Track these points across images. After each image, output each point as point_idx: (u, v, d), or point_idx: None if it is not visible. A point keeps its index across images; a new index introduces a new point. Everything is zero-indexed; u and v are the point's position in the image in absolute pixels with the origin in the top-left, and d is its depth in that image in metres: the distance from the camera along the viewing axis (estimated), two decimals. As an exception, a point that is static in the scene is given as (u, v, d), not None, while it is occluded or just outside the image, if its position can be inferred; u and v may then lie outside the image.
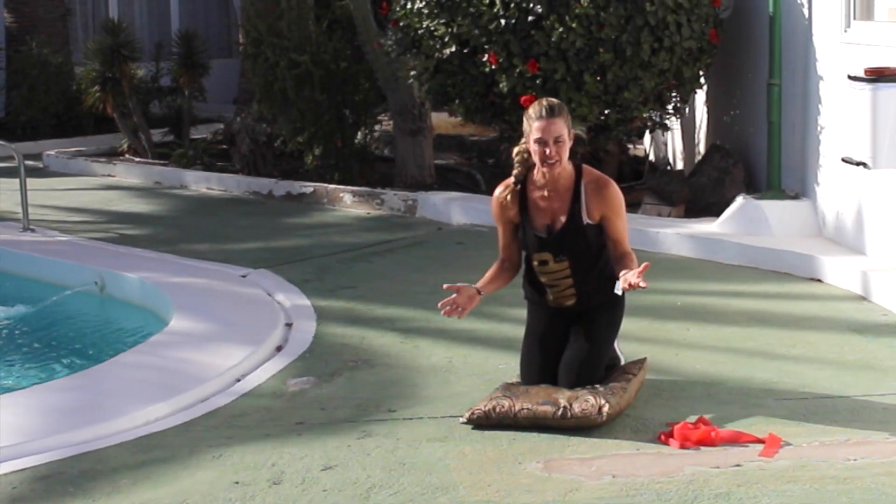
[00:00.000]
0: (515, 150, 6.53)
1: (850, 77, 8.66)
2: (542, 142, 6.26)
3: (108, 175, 15.41)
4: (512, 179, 6.51)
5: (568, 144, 6.32)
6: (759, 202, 10.12)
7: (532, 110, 6.32)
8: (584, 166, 6.50)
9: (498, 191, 6.57)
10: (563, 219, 6.39)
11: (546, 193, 6.43)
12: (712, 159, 11.65)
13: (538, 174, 6.42)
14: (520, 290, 6.79)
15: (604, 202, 6.38)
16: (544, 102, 6.34)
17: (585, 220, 6.37)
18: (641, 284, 5.96)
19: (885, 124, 8.29)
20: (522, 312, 6.78)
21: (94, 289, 9.51)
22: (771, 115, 10.35)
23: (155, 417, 6.31)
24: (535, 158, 6.33)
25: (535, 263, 6.49)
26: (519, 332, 6.77)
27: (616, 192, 6.43)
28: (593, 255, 6.44)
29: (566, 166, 6.39)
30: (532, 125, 6.29)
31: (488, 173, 13.47)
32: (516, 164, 6.51)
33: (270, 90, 13.61)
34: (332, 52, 13.50)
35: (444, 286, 6.43)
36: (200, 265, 9.93)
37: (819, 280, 8.97)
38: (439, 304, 6.36)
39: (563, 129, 6.27)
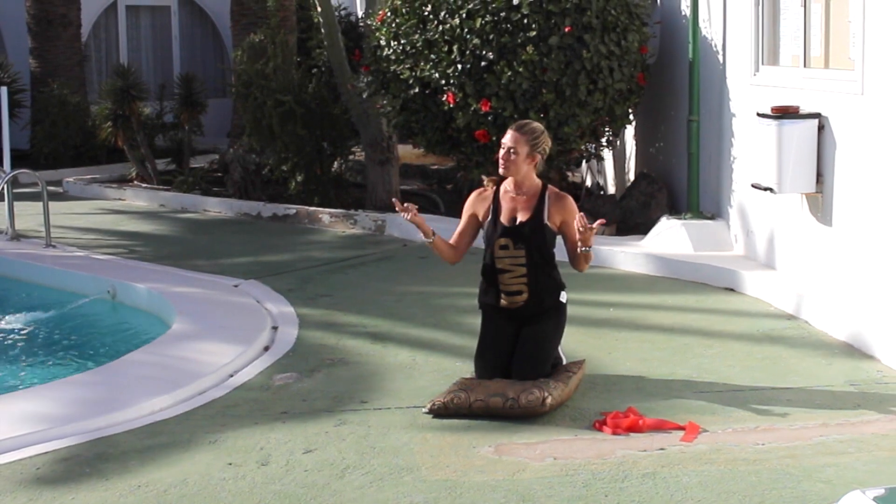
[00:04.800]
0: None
1: (758, 114, 8.71)
2: (502, 146, 6.47)
3: (119, 199, 15.30)
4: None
5: (520, 159, 6.44)
6: (680, 222, 10.15)
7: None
8: (549, 185, 6.64)
9: (478, 190, 6.73)
10: (527, 215, 6.48)
11: (515, 195, 6.54)
12: (640, 185, 11.68)
13: (509, 182, 6.56)
14: (475, 301, 6.79)
15: (564, 209, 6.49)
16: (522, 120, 6.57)
17: (546, 220, 6.47)
18: (589, 225, 6.21)
19: (788, 155, 8.34)
20: (476, 321, 6.78)
21: (107, 297, 9.46)
22: (690, 147, 10.39)
23: (159, 408, 6.28)
24: None
25: (497, 248, 6.52)
26: (473, 336, 6.78)
27: (573, 202, 6.55)
28: (545, 254, 6.49)
29: (532, 179, 6.53)
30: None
31: (447, 197, 13.47)
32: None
33: (259, 125, 13.57)
34: (312, 93, 13.49)
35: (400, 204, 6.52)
36: (198, 277, 9.89)
37: (732, 289, 9.00)
38: (401, 206, 6.50)
39: (519, 144, 6.43)
